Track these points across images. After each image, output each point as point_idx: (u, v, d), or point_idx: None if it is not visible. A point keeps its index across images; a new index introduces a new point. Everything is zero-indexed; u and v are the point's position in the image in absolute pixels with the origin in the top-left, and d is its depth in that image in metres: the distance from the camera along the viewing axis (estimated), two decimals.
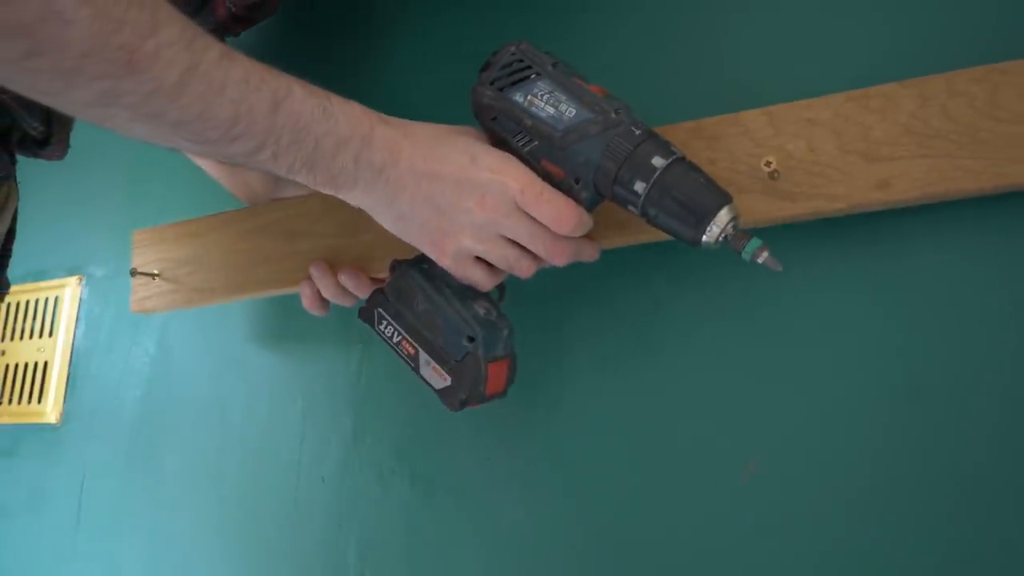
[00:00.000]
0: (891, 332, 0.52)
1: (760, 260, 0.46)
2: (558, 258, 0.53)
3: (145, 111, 0.40)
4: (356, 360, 0.74)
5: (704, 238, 0.46)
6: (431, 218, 0.51)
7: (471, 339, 0.53)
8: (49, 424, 0.96)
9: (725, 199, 0.46)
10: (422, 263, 0.56)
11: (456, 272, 0.53)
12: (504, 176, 0.50)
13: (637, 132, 0.48)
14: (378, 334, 0.57)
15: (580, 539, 0.59)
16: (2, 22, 0.34)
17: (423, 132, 0.52)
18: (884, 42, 0.55)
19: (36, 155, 0.63)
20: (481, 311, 0.55)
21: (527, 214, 0.51)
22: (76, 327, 0.99)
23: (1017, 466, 0.47)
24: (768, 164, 0.50)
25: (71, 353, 0.97)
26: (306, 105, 0.46)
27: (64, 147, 0.64)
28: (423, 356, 0.55)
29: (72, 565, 0.88)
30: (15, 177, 0.60)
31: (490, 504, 0.64)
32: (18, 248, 1.14)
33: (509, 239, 0.52)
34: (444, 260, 0.53)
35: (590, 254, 0.56)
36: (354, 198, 0.51)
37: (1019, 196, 0.49)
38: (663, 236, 0.49)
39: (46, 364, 0.99)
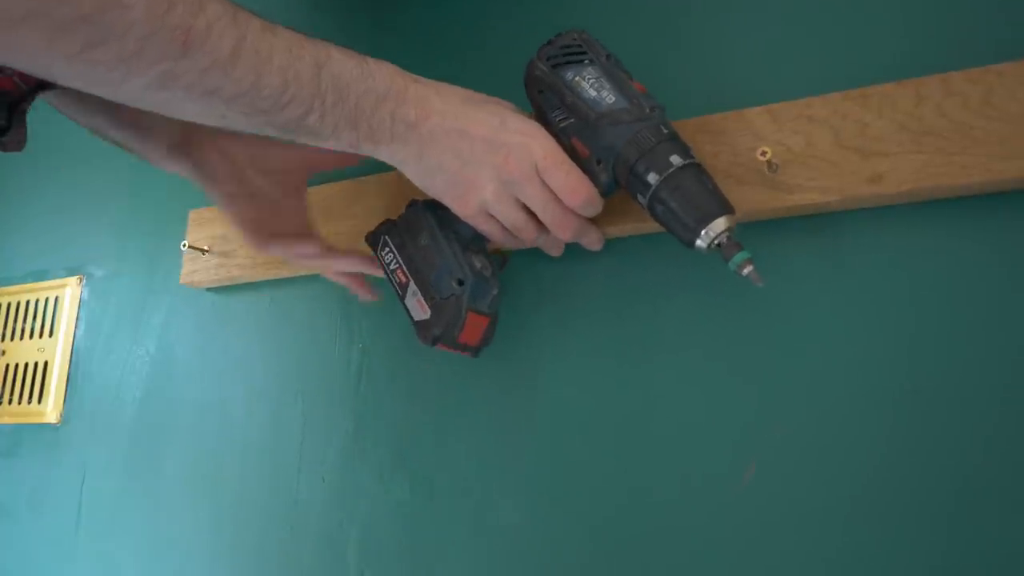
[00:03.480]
0: (891, 332, 0.52)
1: (744, 272, 0.48)
2: (563, 230, 0.56)
3: (201, 88, 0.42)
4: (356, 360, 0.74)
5: (698, 241, 0.49)
6: (458, 171, 0.53)
7: (460, 282, 0.56)
8: (49, 424, 0.96)
9: (727, 208, 0.49)
10: (438, 207, 0.58)
11: (474, 222, 0.56)
12: (531, 140, 0.53)
13: (664, 131, 0.51)
14: (377, 258, 0.62)
15: (579, 540, 0.59)
16: (63, 17, 0.35)
17: (455, 93, 0.54)
18: (884, 43, 0.56)
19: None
20: (478, 264, 0.58)
21: (544, 183, 0.53)
22: (76, 327, 0.99)
23: (1017, 466, 0.47)
24: (764, 154, 0.51)
25: (71, 353, 0.97)
26: (345, 67, 0.48)
27: (22, 138, 0.64)
28: (412, 286, 0.58)
29: (72, 565, 0.88)
30: None
31: (489, 504, 0.64)
32: (18, 248, 1.14)
33: (522, 203, 0.55)
34: (466, 210, 0.55)
35: (593, 239, 0.58)
36: (389, 153, 0.52)
37: (1014, 194, 0.49)
38: (658, 230, 0.51)
39: (46, 364, 0.99)
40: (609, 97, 0.52)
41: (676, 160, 0.49)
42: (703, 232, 0.48)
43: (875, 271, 0.53)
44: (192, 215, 0.86)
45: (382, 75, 0.50)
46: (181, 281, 0.85)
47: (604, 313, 0.63)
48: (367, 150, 0.52)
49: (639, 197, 0.51)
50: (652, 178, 0.50)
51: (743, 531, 0.54)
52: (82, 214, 1.03)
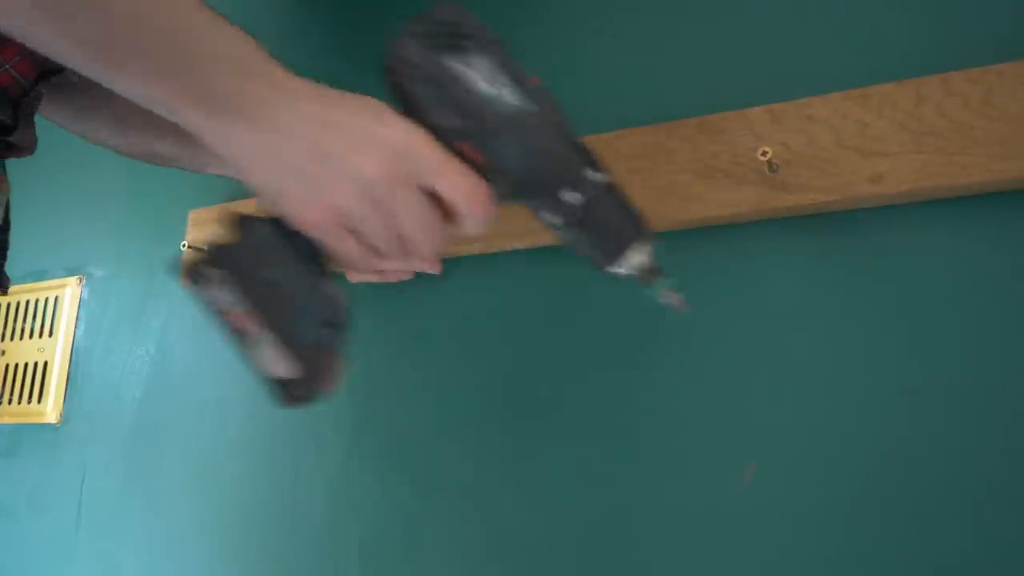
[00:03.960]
0: (891, 332, 0.52)
1: (667, 300, 0.46)
2: (432, 249, 0.47)
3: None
4: (356, 360, 0.74)
5: (618, 268, 0.45)
6: (310, 167, 0.42)
7: (330, 325, 0.46)
8: (49, 424, 0.96)
9: (647, 232, 0.45)
10: (278, 222, 0.45)
11: (326, 241, 0.45)
12: (417, 140, 0.43)
13: (577, 141, 0.45)
14: (201, 297, 0.46)
15: (579, 540, 0.59)
16: None
17: (324, 87, 0.44)
18: (884, 43, 0.56)
19: (8, 149, 0.60)
20: (331, 292, 0.47)
21: (421, 193, 0.44)
22: (76, 327, 0.99)
23: (1017, 466, 0.47)
24: (764, 154, 0.52)
25: (71, 353, 0.97)
26: (194, 1, 0.39)
27: (32, 139, 0.62)
28: (264, 334, 0.45)
29: (72, 565, 0.88)
30: (3, 169, 0.57)
31: (489, 504, 0.64)
32: (18, 248, 1.13)
33: (388, 215, 0.45)
34: (316, 219, 0.44)
35: (437, 265, 0.54)
36: (227, 136, 0.42)
37: (1014, 194, 0.49)
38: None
39: (46, 364, 0.99)
40: (509, 96, 0.43)
41: (598, 178, 0.44)
42: (624, 258, 0.45)
43: (875, 271, 0.53)
44: (192, 215, 0.86)
45: (239, 37, 0.41)
46: (181, 281, 0.84)
47: (603, 312, 0.63)
48: (191, 121, 0.41)
49: (548, 215, 0.45)
50: (573, 197, 0.44)
51: (743, 531, 0.54)
52: (82, 214, 1.03)
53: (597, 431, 0.61)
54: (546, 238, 0.63)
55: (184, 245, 0.82)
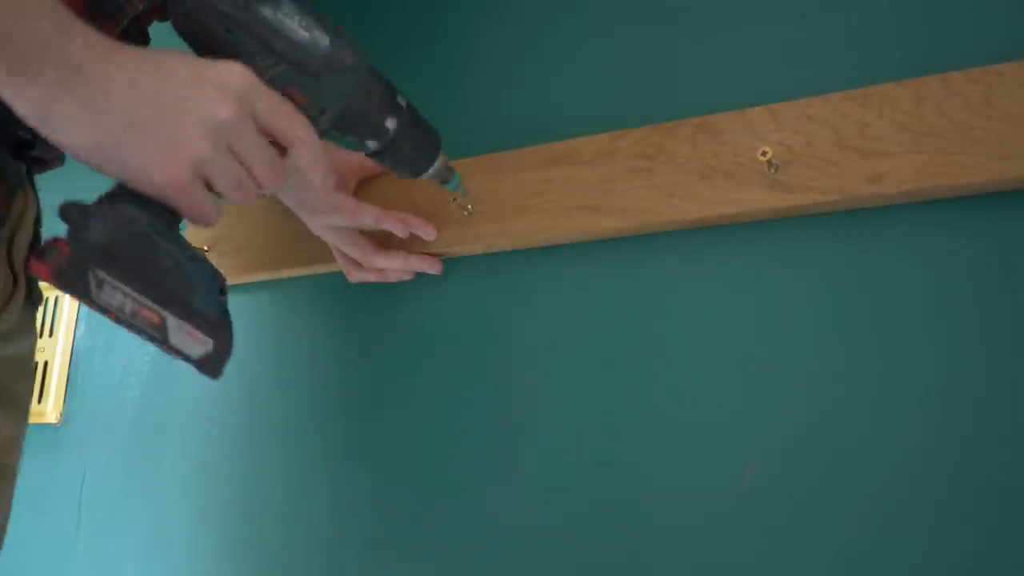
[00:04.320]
0: (892, 331, 0.52)
1: (458, 188, 0.57)
2: (277, 179, 0.46)
3: None
4: (356, 359, 0.74)
5: (426, 173, 0.55)
6: (155, 123, 0.39)
7: (223, 291, 0.46)
8: (49, 424, 0.96)
9: (440, 140, 0.54)
10: (134, 195, 0.42)
11: (184, 196, 0.42)
12: (253, 79, 0.43)
13: (379, 73, 0.49)
14: (92, 305, 0.42)
15: (580, 540, 0.59)
16: None
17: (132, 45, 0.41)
18: (884, 43, 0.56)
19: (38, 163, 0.59)
20: (202, 255, 0.46)
21: (258, 128, 0.44)
22: (76, 327, 0.98)
23: (1017, 466, 0.47)
24: (764, 154, 0.52)
25: (71, 353, 0.97)
26: None
27: (57, 150, 0.61)
28: (172, 321, 0.43)
29: (72, 565, 0.88)
30: (32, 183, 0.56)
31: (490, 504, 0.64)
32: None
33: (237, 157, 0.44)
34: (176, 178, 0.41)
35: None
36: (42, 102, 0.38)
37: (1014, 194, 0.49)
38: (651, 228, 0.53)
39: (46, 364, 0.99)
40: (323, 39, 0.46)
41: (403, 102, 0.51)
42: (433, 166, 0.54)
43: (875, 271, 0.53)
44: None
45: None
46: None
47: (602, 312, 0.63)
48: (2, 85, 0.37)
49: (368, 143, 0.51)
50: (390, 123, 0.50)
51: (743, 531, 0.54)
52: None
53: (597, 431, 0.61)
54: (547, 238, 0.63)
55: None
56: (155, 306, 0.42)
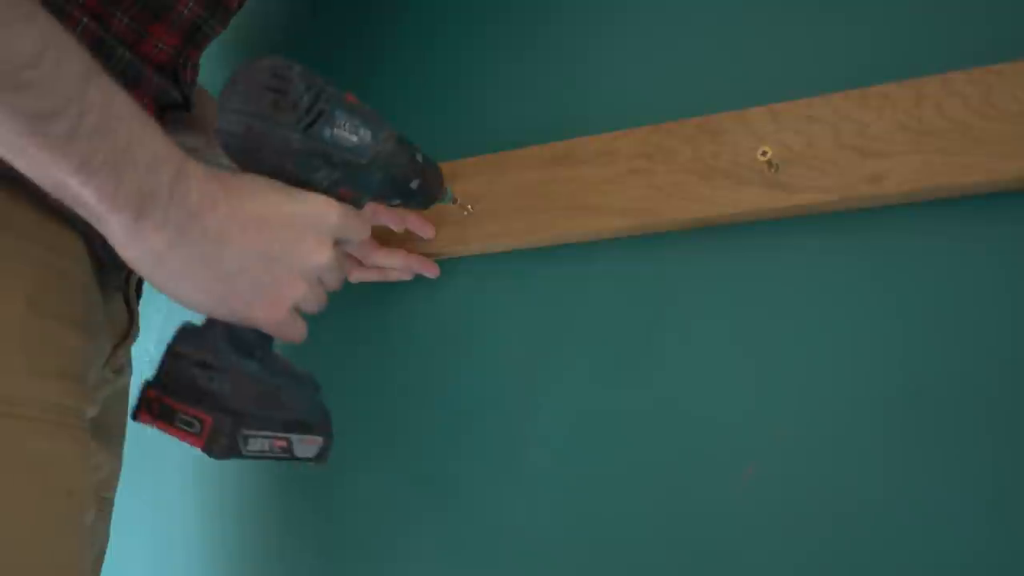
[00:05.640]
0: (892, 332, 0.52)
1: (456, 200, 0.62)
2: (340, 284, 0.51)
3: None
4: (356, 359, 0.74)
5: (441, 201, 0.60)
6: (262, 273, 0.43)
7: (317, 387, 0.49)
8: None
9: (443, 177, 0.59)
10: (226, 326, 0.45)
11: (280, 329, 0.47)
12: (325, 206, 0.46)
13: (404, 138, 0.53)
14: (245, 458, 0.45)
15: (579, 540, 0.59)
16: None
17: (221, 172, 0.44)
18: (884, 43, 0.56)
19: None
20: (289, 362, 0.50)
21: (339, 246, 0.48)
22: None
23: (1018, 466, 0.47)
24: (764, 154, 0.52)
25: None
26: (119, 96, 0.37)
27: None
28: (295, 439, 0.48)
29: None
30: None
31: (489, 504, 0.64)
32: None
33: (324, 282, 0.48)
34: (277, 316, 0.45)
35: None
36: (154, 246, 0.39)
37: (1014, 194, 0.49)
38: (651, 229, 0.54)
39: None
40: (366, 135, 0.48)
41: (420, 158, 0.55)
42: (443, 193, 0.59)
43: (875, 271, 0.53)
44: None
45: (161, 135, 0.39)
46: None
47: (602, 311, 0.63)
48: (123, 227, 0.38)
49: (393, 201, 0.56)
50: (414, 184, 0.54)
51: (742, 531, 0.54)
52: None
53: (596, 431, 0.61)
54: (547, 238, 0.63)
55: None
56: (283, 435, 0.47)
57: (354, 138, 0.47)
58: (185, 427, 0.43)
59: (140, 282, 0.60)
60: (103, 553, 0.60)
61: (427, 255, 0.68)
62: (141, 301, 0.92)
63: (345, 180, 0.48)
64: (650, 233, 0.61)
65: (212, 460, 0.79)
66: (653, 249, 0.61)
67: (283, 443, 0.46)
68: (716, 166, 0.56)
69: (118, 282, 0.54)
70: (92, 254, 0.49)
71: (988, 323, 0.50)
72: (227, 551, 0.77)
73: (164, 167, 0.39)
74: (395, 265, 0.68)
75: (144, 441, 0.87)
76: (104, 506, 0.61)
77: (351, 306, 0.76)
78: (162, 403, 0.44)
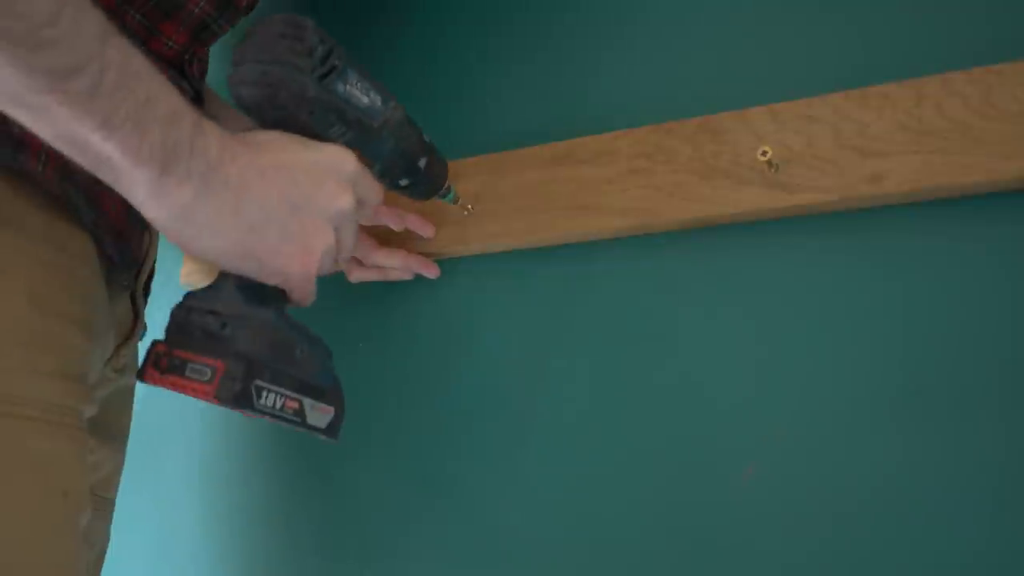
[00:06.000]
0: (891, 332, 0.52)
1: (459, 201, 0.62)
2: (353, 248, 0.50)
3: None
4: (356, 359, 0.74)
5: (443, 197, 0.60)
6: (288, 220, 0.43)
7: (329, 353, 0.48)
8: None
9: (447, 168, 0.59)
10: (243, 286, 0.44)
11: (307, 286, 0.46)
12: (342, 153, 0.46)
13: (410, 118, 0.53)
14: (251, 413, 0.43)
15: (579, 540, 0.59)
16: None
17: (233, 126, 0.44)
18: (884, 43, 0.56)
19: None
20: (303, 325, 0.48)
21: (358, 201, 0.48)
22: None
23: (1018, 466, 0.47)
24: (764, 154, 0.52)
25: None
26: (136, 54, 0.37)
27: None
28: (308, 403, 0.46)
29: None
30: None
31: (489, 504, 0.64)
32: None
33: (346, 239, 0.48)
34: (309, 267, 0.45)
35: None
36: (179, 200, 0.39)
37: (1014, 194, 0.49)
38: (651, 228, 0.53)
39: None
40: (377, 100, 0.49)
41: (427, 138, 0.55)
42: (446, 189, 0.60)
43: (875, 271, 0.53)
44: None
45: (173, 90, 0.39)
46: (181, 281, 0.84)
47: (602, 311, 0.63)
48: (147, 182, 0.38)
49: (401, 181, 0.55)
50: (422, 163, 0.55)
51: (742, 531, 0.54)
52: None
53: (596, 431, 0.61)
54: (547, 238, 0.63)
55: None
56: (296, 395, 0.44)
57: (365, 99, 0.48)
58: (195, 377, 0.41)
59: (148, 281, 0.60)
60: (103, 554, 0.60)
61: (427, 255, 0.69)
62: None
63: (357, 142, 0.48)
64: (650, 233, 0.61)
65: (214, 460, 0.80)
66: (653, 249, 0.61)
67: (295, 404, 0.44)
68: (716, 166, 0.56)
69: (127, 280, 0.54)
70: (101, 253, 0.49)
71: (988, 323, 0.50)
72: (228, 551, 0.77)
73: (183, 122, 0.39)
74: (395, 265, 0.68)
75: (147, 440, 0.87)
76: (104, 506, 0.61)
77: (351, 306, 0.76)
78: (171, 356, 0.42)
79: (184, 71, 0.56)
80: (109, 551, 0.67)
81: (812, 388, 0.54)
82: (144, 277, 0.58)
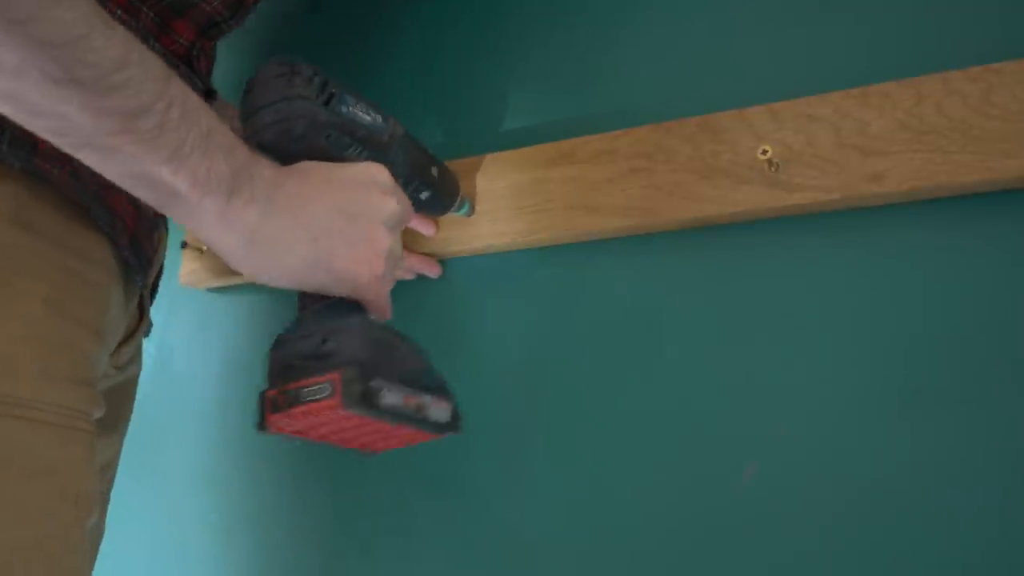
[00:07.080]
0: (892, 331, 0.52)
1: (466, 211, 0.64)
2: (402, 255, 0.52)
3: (10, 13, 0.31)
4: None
5: (457, 210, 0.63)
6: (349, 229, 0.44)
7: (426, 351, 0.48)
8: None
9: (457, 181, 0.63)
10: (323, 307, 0.46)
11: (379, 291, 0.47)
12: (372, 167, 0.48)
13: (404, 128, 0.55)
14: (380, 413, 0.42)
15: (580, 539, 0.59)
16: None
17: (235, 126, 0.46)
18: (884, 43, 0.56)
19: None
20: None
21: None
22: None
23: (1018, 466, 0.47)
24: (764, 152, 0.52)
25: None
26: (191, 90, 0.39)
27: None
28: (426, 399, 0.46)
29: None
30: (165, 218, 0.58)
31: (490, 504, 0.64)
32: None
33: (398, 243, 0.49)
34: (374, 271, 0.46)
35: None
36: (247, 222, 0.41)
37: (1015, 193, 0.49)
38: (651, 228, 0.54)
39: None
40: (377, 117, 0.51)
41: (429, 149, 0.58)
42: (459, 203, 0.62)
43: (875, 270, 0.53)
44: None
45: (226, 123, 0.41)
46: (180, 281, 0.84)
47: (602, 311, 0.63)
48: (216, 210, 0.40)
49: (423, 194, 0.58)
50: (434, 170, 0.58)
51: (742, 531, 0.54)
52: None
53: (597, 431, 0.61)
54: (547, 238, 0.64)
55: (183, 243, 0.82)
56: (412, 392, 0.45)
57: (368, 117, 0.50)
58: (315, 397, 0.41)
59: (157, 279, 0.61)
60: (97, 548, 0.60)
61: (428, 255, 0.68)
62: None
63: (373, 159, 0.50)
64: (650, 232, 0.61)
65: (217, 461, 0.80)
66: (653, 249, 0.61)
67: (415, 401, 0.44)
68: (716, 165, 0.56)
69: (141, 279, 0.54)
70: (118, 256, 0.49)
71: (988, 321, 0.50)
72: (229, 551, 0.77)
73: (239, 149, 0.41)
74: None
75: (146, 440, 0.87)
76: (102, 500, 0.61)
77: None
78: (285, 392, 0.42)
79: (193, 67, 0.56)
80: (109, 551, 0.67)
81: (813, 387, 0.54)
82: (152, 278, 0.58)
